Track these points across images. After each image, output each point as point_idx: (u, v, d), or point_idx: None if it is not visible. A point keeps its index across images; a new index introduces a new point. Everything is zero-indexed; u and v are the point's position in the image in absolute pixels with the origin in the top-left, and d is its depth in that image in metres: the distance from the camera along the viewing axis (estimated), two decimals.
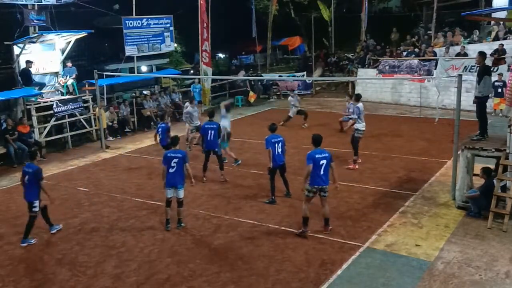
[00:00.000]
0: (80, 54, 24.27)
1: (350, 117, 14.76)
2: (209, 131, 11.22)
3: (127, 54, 19.82)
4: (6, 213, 9.93)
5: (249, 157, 13.33)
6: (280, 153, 9.80)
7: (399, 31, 26.00)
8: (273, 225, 8.73)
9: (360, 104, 12.24)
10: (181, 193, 8.67)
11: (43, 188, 8.46)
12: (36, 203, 8.42)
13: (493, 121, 14.11)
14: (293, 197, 10.08)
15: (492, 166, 9.14)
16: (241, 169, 12.21)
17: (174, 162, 8.51)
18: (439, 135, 14.50)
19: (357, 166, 12.02)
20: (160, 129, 12.51)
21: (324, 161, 8.16)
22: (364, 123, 12.19)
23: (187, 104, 14.96)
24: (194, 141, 14.25)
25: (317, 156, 8.19)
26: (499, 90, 16.62)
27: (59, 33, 15.80)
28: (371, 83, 21.75)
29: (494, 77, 16.25)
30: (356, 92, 22.52)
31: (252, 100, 22.69)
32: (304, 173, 8.25)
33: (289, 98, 17.93)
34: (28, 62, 15.05)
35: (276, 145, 9.73)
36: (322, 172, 8.15)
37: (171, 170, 8.53)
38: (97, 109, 15.76)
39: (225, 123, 12.34)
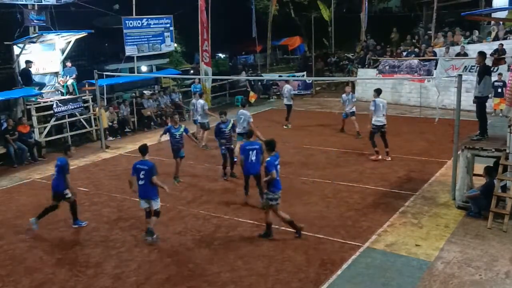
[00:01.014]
0: (80, 54, 24.29)
1: (348, 110, 15.10)
2: (250, 152, 9.51)
3: (127, 54, 19.82)
4: (6, 213, 9.94)
5: None
6: (254, 161, 9.34)
7: (399, 31, 26.00)
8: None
9: (378, 99, 12.40)
10: (155, 205, 8.16)
11: (67, 181, 8.70)
12: (67, 191, 8.74)
13: (493, 121, 14.10)
14: (293, 197, 10.08)
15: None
16: (241, 169, 12.18)
17: (142, 174, 8.04)
18: (439, 135, 14.50)
19: (379, 157, 12.35)
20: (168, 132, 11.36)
21: (279, 166, 8.18)
22: (380, 119, 12.30)
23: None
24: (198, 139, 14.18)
25: (276, 162, 8.08)
26: (499, 90, 16.60)
27: (59, 33, 15.80)
28: (371, 83, 21.69)
29: (494, 77, 16.25)
30: (356, 91, 22.62)
31: (252, 100, 22.68)
32: (267, 181, 7.99)
33: (288, 87, 17.39)
34: (28, 62, 15.06)
35: (250, 152, 9.32)
36: (279, 177, 8.17)
37: (140, 182, 8.08)
38: (97, 109, 15.77)
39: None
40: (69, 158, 9.12)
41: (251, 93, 22.92)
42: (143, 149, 8.40)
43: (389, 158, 12.38)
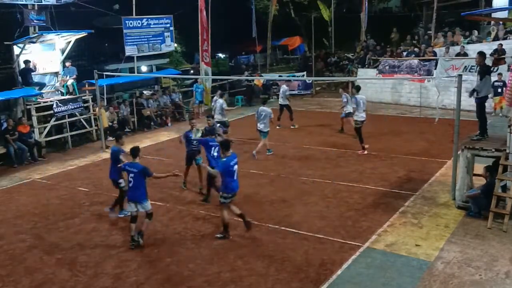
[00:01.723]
0: (80, 54, 24.29)
1: (346, 110, 15.19)
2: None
3: (127, 54, 19.82)
4: (6, 213, 9.93)
5: (249, 157, 13.31)
6: (215, 157, 9.36)
7: (399, 31, 26.01)
8: (273, 225, 8.72)
9: (359, 96, 13.15)
10: (147, 206, 8.04)
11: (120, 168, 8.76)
12: (121, 181, 8.98)
13: (493, 121, 14.12)
14: (293, 197, 10.09)
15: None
16: (241, 169, 12.14)
17: (131, 177, 7.92)
18: (439, 135, 14.50)
19: (365, 152, 13.00)
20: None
21: (236, 166, 8.16)
22: (362, 114, 13.07)
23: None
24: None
25: (231, 163, 8.04)
26: (499, 90, 16.61)
27: (59, 33, 15.80)
28: (371, 83, 21.73)
29: (494, 77, 16.25)
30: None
31: (259, 84, 22.96)
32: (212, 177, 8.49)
33: (284, 87, 17.27)
34: (27, 62, 15.04)
35: (213, 148, 9.41)
36: (235, 178, 8.15)
37: (129, 185, 8.00)
38: (97, 109, 15.76)
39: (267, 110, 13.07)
40: (121, 146, 9.25)
41: (256, 81, 23.08)
42: (134, 151, 8.16)
43: (365, 152, 13.10)
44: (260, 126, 13.10)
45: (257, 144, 13.30)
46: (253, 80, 23.59)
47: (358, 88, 13.58)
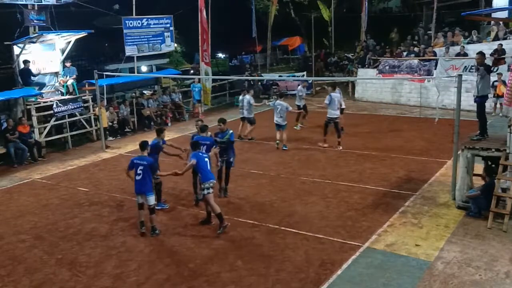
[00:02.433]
0: (80, 54, 24.32)
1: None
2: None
3: (127, 54, 19.82)
4: (6, 213, 9.93)
5: (249, 157, 13.33)
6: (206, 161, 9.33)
7: (399, 31, 26.01)
8: (273, 225, 8.72)
9: (333, 94, 13.79)
10: (151, 200, 8.41)
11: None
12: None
13: (493, 121, 14.13)
14: (293, 197, 10.09)
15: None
16: (241, 169, 12.20)
17: (140, 170, 8.30)
18: (439, 135, 14.50)
19: (326, 145, 13.80)
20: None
21: (207, 159, 8.57)
22: (334, 111, 13.67)
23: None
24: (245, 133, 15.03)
25: (200, 154, 8.60)
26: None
27: (59, 33, 15.80)
28: (371, 83, 21.75)
29: (494, 77, 16.24)
30: (356, 91, 22.66)
31: None
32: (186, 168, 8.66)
33: (299, 88, 16.81)
34: (26, 62, 15.03)
35: (201, 147, 9.19)
36: (209, 168, 8.53)
37: (137, 178, 8.33)
38: (97, 108, 15.74)
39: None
40: (161, 139, 9.72)
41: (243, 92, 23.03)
42: (143, 145, 8.76)
43: (340, 147, 13.58)
44: (279, 120, 13.82)
45: (254, 145, 13.42)
46: (251, 82, 23.61)
47: (334, 87, 14.26)
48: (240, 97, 15.61)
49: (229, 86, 24.74)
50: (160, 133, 9.86)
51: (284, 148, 13.86)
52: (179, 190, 10.79)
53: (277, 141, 14.01)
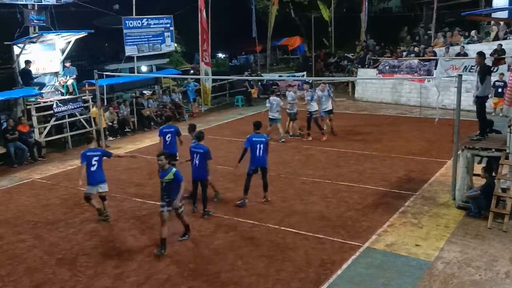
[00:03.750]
0: (80, 54, 24.32)
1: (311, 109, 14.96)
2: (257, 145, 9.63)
3: (127, 54, 19.82)
4: (6, 213, 9.93)
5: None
6: (197, 165, 9.04)
7: (399, 30, 25.99)
8: (273, 225, 8.72)
9: (272, 98, 14.98)
10: (106, 187, 9.17)
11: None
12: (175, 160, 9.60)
13: (493, 121, 14.10)
14: (293, 197, 10.08)
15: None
16: (241, 169, 12.18)
17: (95, 160, 8.90)
18: (439, 135, 14.49)
19: (310, 138, 14.72)
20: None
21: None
22: (274, 114, 14.76)
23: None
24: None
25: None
26: (500, 90, 16.60)
27: (59, 33, 15.79)
28: (371, 83, 21.75)
29: (495, 77, 16.25)
30: (356, 91, 22.65)
31: (255, 95, 22.89)
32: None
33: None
34: (28, 62, 15.04)
35: (195, 155, 9.04)
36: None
37: (93, 169, 8.89)
38: (93, 109, 15.63)
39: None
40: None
41: (252, 90, 23.01)
42: (90, 139, 9.49)
43: (310, 138, 14.67)
44: (275, 114, 14.76)
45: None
46: (251, 81, 23.61)
47: (274, 92, 16.17)
48: (267, 103, 15.17)
49: (229, 86, 24.74)
50: (201, 137, 9.31)
51: (281, 140, 14.73)
52: None
53: (291, 133, 15.35)
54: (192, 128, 10.34)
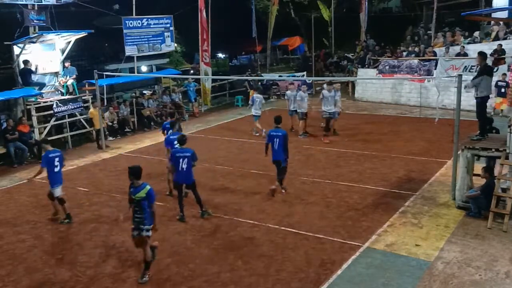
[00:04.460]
0: (80, 54, 24.32)
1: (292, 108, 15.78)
2: (275, 139, 9.90)
3: (127, 54, 19.83)
4: (6, 213, 9.93)
5: (249, 157, 13.34)
6: (184, 169, 8.82)
7: (400, 30, 25.98)
8: (273, 225, 8.73)
9: (255, 95, 15.78)
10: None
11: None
12: None
13: (492, 119, 14.09)
14: (293, 197, 10.09)
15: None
16: (241, 169, 12.22)
17: (57, 161, 9.02)
18: (439, 135, 14.49)
19: (326, 141, 14.50)
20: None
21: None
22: (257, 110, 15.41)
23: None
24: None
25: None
26: (502, 90, 16.58)
27: (59, 33, 15.79)
28: (371, 83, 21.75)
29: (497, 77, 16.21)
30: (356, 91, 22.64)
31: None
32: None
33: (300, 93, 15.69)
34: (26, 62, 15.03)
35: (181, 160, 8.79)
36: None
37: (56, 170, 9.00)
38: (91, 109, 15.61)
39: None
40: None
41: (251, 92, 22.97)
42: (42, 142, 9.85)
43: (327, 141, 14.53)
44: (258, 111, 15.51)
45: (254, 145, 13.59)
46: (250, 82, 23.60)
47: (258, 89, 17.14)
48: (298, 97, 15.28)
49: (229, 86, 24.74)
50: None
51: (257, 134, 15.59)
52: None
53: (256, 131, 15.74)
54: (173, 124, 10.34)
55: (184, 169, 8.82)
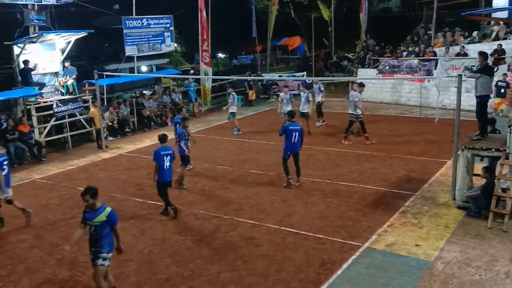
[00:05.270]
0: (80, 54, 24.30)
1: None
2: (293, 133, 10.46)
3: (127, 54, 19.83)
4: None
5: (249, 157, 13.34)
6: (168, 167, 9.10)
7: (400, 30, 25.95)
8: (273, 225, 8.72)
9: (233, 94, 16.52)
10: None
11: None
12: None
13: (495, 119, 14.08)
14: (293, 197, 10.09)
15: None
16: (241, 169, 12.22)
17: (5, 165, 9.15)
18: (439, 135, 14.49)
19: (346, 142, 14.21)
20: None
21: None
22: (352, 109, 14.42)
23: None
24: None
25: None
26: (502, 90, 16.56)
27: (59, 33, 15.80)
28: (371, 83, 21.74)
29: (497, 77, 16.20)
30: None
31: (253, 97, 22.89)
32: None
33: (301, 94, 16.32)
34: (26, 62, 15.03)
35: (165, 158, 9.04)
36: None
37: (3, 173, 9.10)
38: (92, 109, 15.62)
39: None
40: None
41: (250, 92, 23.00)
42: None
43: (347, 143, 14.24)
44: (234, 109, 16.20)
45: (254, 145, 13.37)
46: (250, 82, 23.61)
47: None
48: (281, 94, 16.26)
49: (229, 87, 24.70)
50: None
51: (238, 133, 16.11)
52: (178, 190, 10.77)
53: (238, 130, 16.28)
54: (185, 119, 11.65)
55: (168, 167, 9.17)
